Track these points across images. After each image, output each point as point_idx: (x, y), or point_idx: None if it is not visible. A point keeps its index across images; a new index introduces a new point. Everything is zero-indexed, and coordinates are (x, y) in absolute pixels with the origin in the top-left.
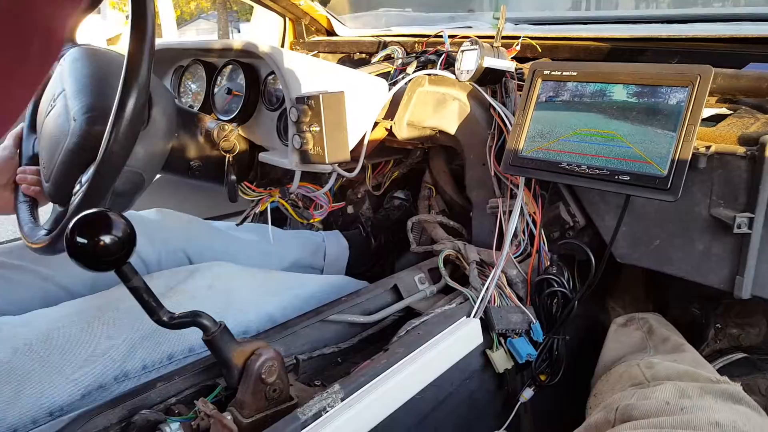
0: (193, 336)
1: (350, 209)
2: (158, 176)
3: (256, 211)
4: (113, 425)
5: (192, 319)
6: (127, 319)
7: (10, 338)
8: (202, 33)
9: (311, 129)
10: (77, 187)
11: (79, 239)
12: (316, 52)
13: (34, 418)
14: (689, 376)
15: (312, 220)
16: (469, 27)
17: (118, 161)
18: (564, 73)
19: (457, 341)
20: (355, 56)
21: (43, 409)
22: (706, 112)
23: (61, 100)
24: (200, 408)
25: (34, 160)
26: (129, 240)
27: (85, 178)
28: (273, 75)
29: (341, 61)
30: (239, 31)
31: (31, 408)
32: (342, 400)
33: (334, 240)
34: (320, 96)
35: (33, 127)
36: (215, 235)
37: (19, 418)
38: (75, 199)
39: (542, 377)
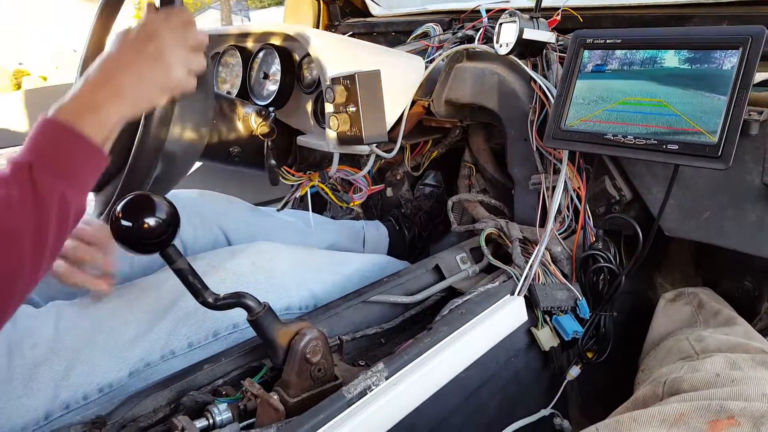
0: (236, 312)
1: (389, 192)
2: (199, 164)
3: (296, 196)
4: (162, 407)
5: (236, 300)
6: (170, 297)
7: (59, 319)
8: (211, 24)
9: (348, 109)
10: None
11: (124, 222)
12: (351, 33)
13: (85, 394)
14: (741, 348)
15: (352, 204)
16: (507, 0)
17: (161, 124)
18: (608, 41)
19: (501, 319)
20: (390, 36)
21: (93, 385)
22: (759, 77)
23: None
24: (247, 388)
25: None
26: (173, 221)
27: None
28: (308, 57)
29: (377, 41)
30: (249, 20)
31: (82, 384)
32: (387, 378)
33: (373, 227)
34: (356, 75)
35: None
36: (253, 214)
37: (71, 395)
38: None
39: (589, 354)
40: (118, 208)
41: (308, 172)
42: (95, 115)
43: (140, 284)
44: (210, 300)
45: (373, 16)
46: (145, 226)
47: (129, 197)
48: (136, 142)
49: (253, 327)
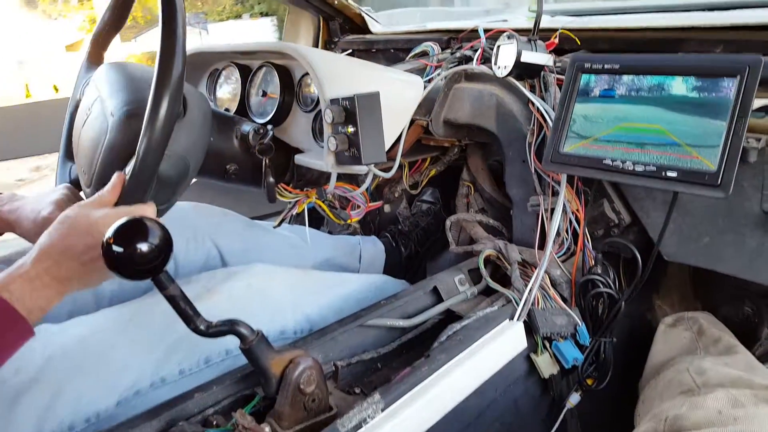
0: (229, 337)
1: (387, 208)
2: (195, 180)
3: (293, 213)
4: None
5: (229, 327)
6: (162, 322)
7: (46, 345)
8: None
9: (346, 130)
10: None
11: (116, 248)
12: (351, 49)
13: (71, 424)
14: (742, 383)
15: (349, 221)
16: (505, 21)
17: (158, 148)
18: (606, 66)
19: (500, 346)
20: (389, 53)
21: (79, 415)
22: (757, 103)
23: (97, 105)
24: (238, 420)
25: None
26: (166, 247)
27: (128, 168)
28: (307, 76)
29: (376, 58)
30: (207, 33)
31: (68, 414)
32: (383, 410)
33: (370, 243)
34: (355, 97)
35: (68, 154)
36: (247, 229)
37: (56, 426)
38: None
39: (589, 381)
40: (110, 233)
41: (305, 188)
42: (36, 297)
43: (130, 308)
44: (202, 327)
45: (372, 33)
46: (138, 251)
47: (121, 222)
48: (132, 167)
49: (245, 355)
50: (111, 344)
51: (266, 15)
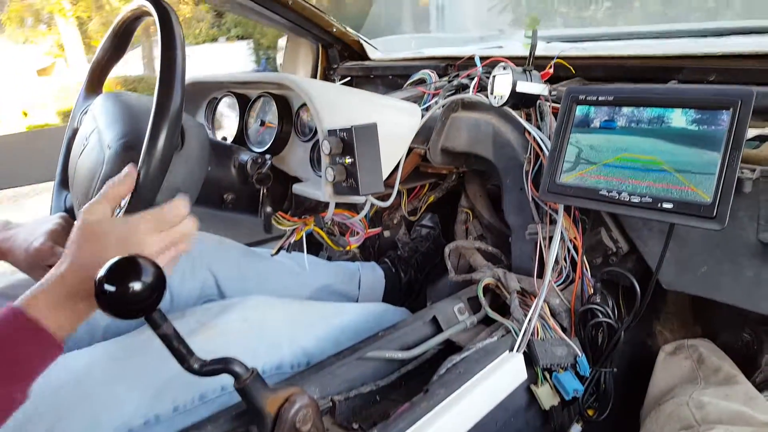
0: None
1: (386, 233)
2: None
3: (291, 241)
4: None
5: (223, 366)
6: (156, 358)
7: (37, 380)
8: (132, 62)
9: (344, 161)
10: (117, 211)
11: (108, 287)
12: (349, 77)
13: None
14: (742, 419)
15: (348, 247)
16: (500, 47)
17: (154, 181)
18: (600, 98)
19: (500, 378)
20: (388, 79)
21: None
22: (750, 132)
23: (94, 136)
24: None
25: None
26: (159, 285)
27: (123, 201)
28: (305, 106)
29: (375, 84)
30: None
31: None
32: None
33: (369, 269)
34: (353, 128)
35: (63, 182)
36: (245, 256)
37: None
38: None
39: (590, 412)
40: (102, 272)
41: (303, 216)
42: (67, 313)
43: (124, 342)
44: (195, 366)
45: (370, 59)
46: (130, 291)
47: (113, 261)
48: (128, 200)
49: (240, 395)
50: (103, 380)
51: (242, 38)
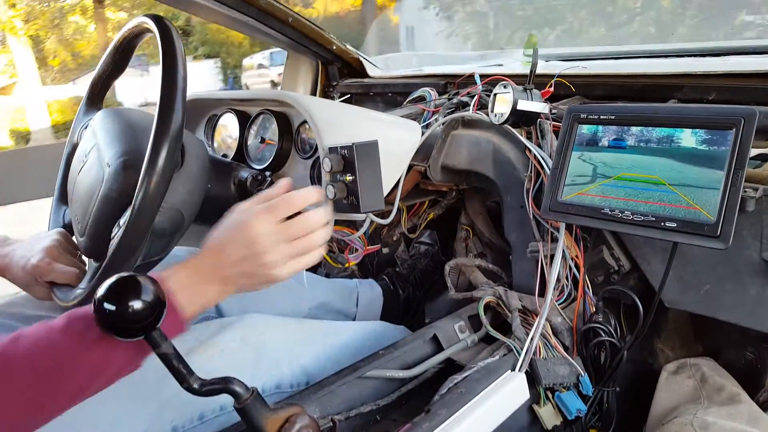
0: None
1: (385, 250)
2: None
3: None
4: None
5: (223, 386)
6: (155, 376)
7: None
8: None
9: (345, 179)
10: (115, 230)
11: (108, 306)
12: (349, 94)
13: None
14: None
15: (347, 264)
16: (500, 65)
17: (154, 201)
18: (602, 117)
19: (502, 398)
20: (387, 96)
21: None
22: (753, 152)
23: (93, 153)
24: None
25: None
26: (159, 304)
27: (122, 220)
28: (305, 123)
29: (375, 101)
30: (149, 73)
31: None
32: None
33: (367, 286)
34: (354, 146)
35: (62, 198)
36: None
37: None
38: (113, 243)
39: None
40: (102, 291)
41: None
42: (199, 299)
43: None
44: (195, 386)
45: (370, 77)
46: (130, 309)
47: (113, 279)
48: (127, 219)
49: (240, 415)
50: (100, 399)
51: (209, 57)
